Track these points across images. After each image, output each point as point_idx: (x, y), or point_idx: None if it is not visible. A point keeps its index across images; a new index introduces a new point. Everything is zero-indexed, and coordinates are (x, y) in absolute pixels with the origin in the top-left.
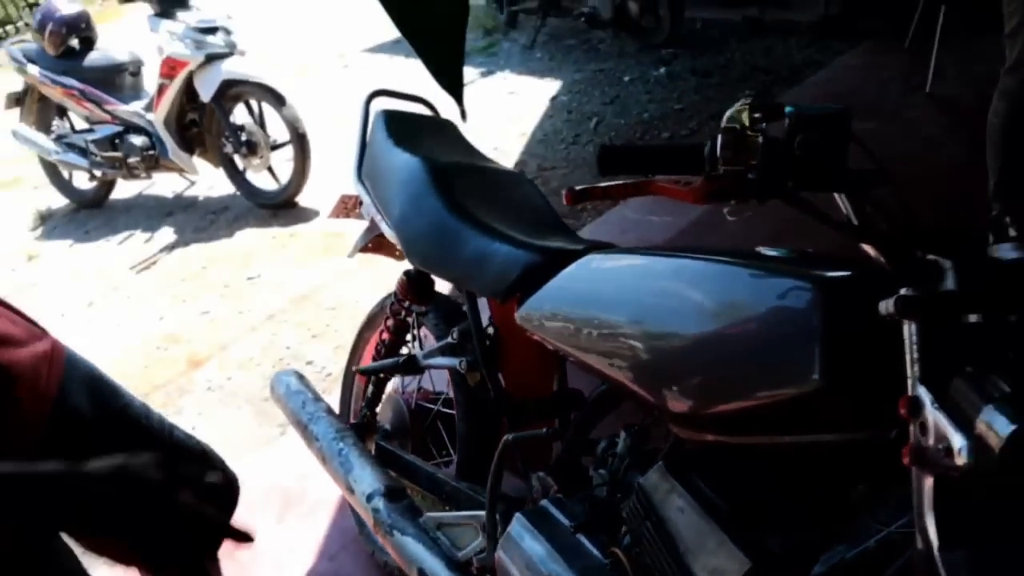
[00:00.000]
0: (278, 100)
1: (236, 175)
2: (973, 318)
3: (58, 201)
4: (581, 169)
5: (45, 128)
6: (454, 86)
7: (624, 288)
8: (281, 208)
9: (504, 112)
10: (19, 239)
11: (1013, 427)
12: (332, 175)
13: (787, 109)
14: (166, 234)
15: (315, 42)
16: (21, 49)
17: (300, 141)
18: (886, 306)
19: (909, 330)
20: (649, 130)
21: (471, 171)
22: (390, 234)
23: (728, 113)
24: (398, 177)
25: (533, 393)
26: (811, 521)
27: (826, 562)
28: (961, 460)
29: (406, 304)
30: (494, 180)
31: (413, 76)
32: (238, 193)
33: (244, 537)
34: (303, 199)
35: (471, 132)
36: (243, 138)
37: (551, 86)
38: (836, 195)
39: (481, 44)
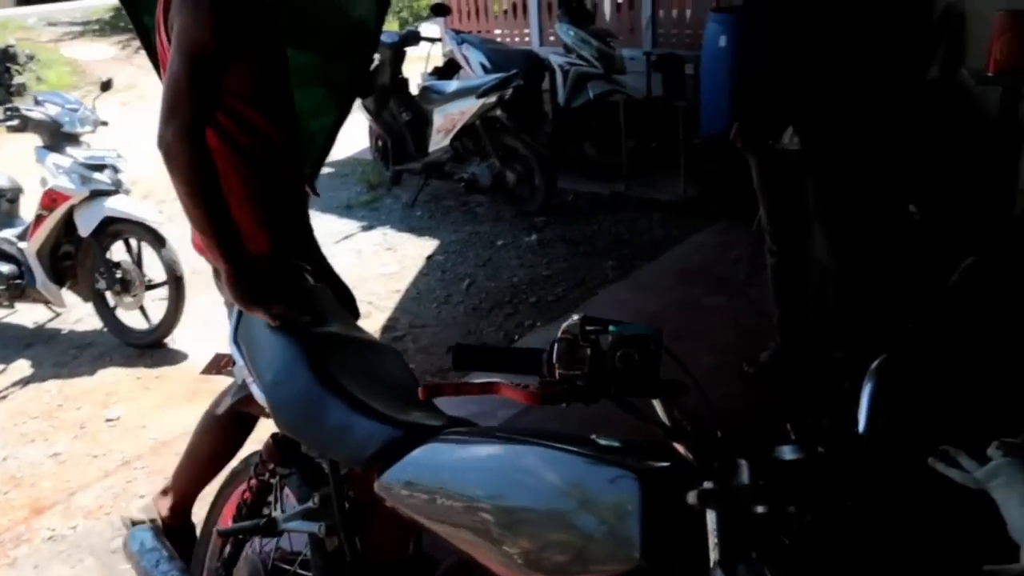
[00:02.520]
0: (158, 241)
1: (106, 311)
2: (760, 509)
3: None
4: (451, 328)
5: None
6: (311, 173)
7: (474, 468)
8: (149, 348)
9: (381, 268)
10: None
11: None
12: (204, 320)
13: (611, 328)
14: (22, 367)
15: None
16: None
17: (176, 283)
18: (692, 496)
19: (710, 517)
20: (517, 294)
21: (342, 342)
22: (260, 397)
23: (564, 325)
24: (272, 344)
25: (390, 558)
26: None
27: None
28: None
29: (270, 466)
30: (362, 352)
31: None
32: (105, 329)
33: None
34: (173, 341)
35: (347, 284)
36: (118, 275)
37: (428, 244)
38: (653, 401)
39: (365, 198)
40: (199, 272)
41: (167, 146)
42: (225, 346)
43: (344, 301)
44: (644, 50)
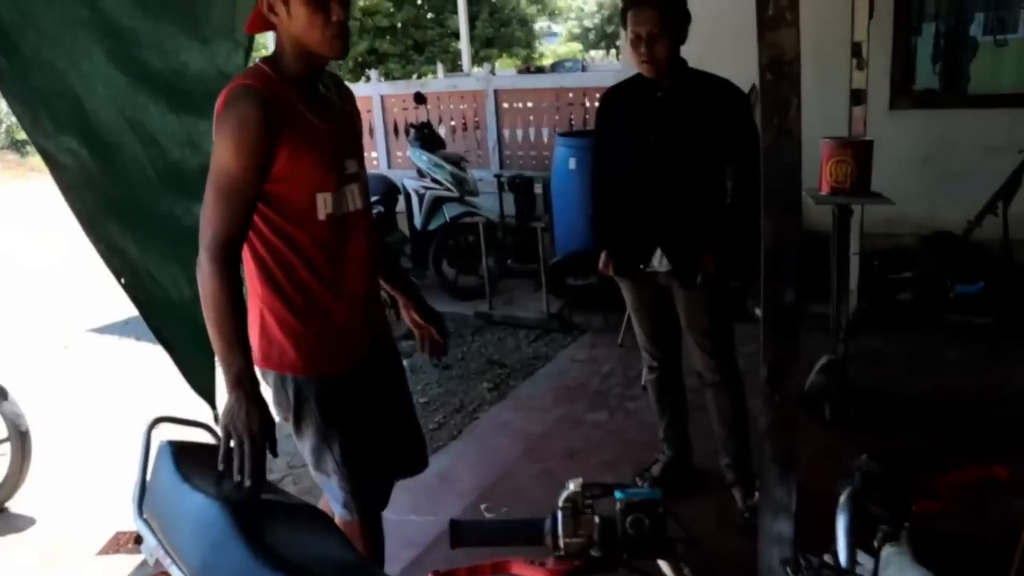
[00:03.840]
0: None
1: None
2: None
3: None
4: None
5: None
6: (207, 392)
7: None
8: None
9: None
10: None
11: None
12: (54, 479)
13: (616, 494)
14: None
15: (33, 320)
16: None
17: (21, 439)
18: None
19: None
20: None
21: (268, 509)
22: None
23: (564, 494)
24: (194, 520)
25: None
26: None
27: None
28: None
29: None
30: (292, 517)
31: (143, 359)
32: None
33: None
34: (16, 505)
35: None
36: None
37: None
38: (658, 560)
39: None
40: (41, 423)
41: (198, 261)
42: (89, 510)
43: (415, 445)
44: (494, 172)
